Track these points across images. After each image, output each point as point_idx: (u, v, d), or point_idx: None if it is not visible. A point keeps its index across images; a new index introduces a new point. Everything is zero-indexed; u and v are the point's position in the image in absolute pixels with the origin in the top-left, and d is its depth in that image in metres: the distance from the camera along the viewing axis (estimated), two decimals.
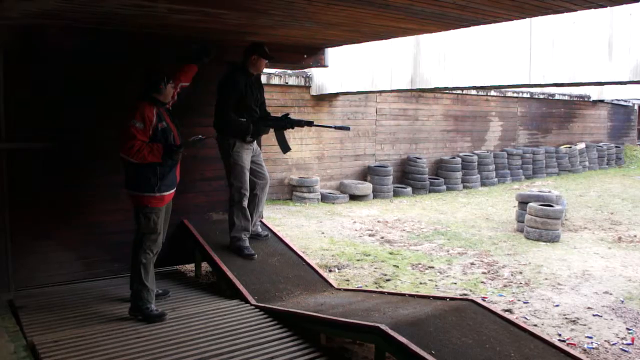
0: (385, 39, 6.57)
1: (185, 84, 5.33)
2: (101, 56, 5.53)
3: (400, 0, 4.13)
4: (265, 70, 11.57)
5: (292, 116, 5.95)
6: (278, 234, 6.57)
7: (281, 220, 10.62)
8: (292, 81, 12.88)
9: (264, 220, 6.71)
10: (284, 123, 5.89)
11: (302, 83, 13.02)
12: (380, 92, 12.45)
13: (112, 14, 4.69)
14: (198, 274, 6.32)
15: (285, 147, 6.02)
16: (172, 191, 4.99)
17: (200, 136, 4.94)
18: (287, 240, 6.47)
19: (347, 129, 6.20)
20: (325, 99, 13.37)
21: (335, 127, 6.33)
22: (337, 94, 12.97)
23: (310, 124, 5.97)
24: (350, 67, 10.91)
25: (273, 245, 6.27)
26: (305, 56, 6.87)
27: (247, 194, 5.92)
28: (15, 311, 4.91)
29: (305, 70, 12.31)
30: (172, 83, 4.91)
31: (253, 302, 5.14)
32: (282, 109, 12.80)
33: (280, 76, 12.62)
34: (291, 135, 13.06)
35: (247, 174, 5.90)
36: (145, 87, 4.78)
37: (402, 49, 9.39)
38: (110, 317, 4.88)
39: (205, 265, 6.27)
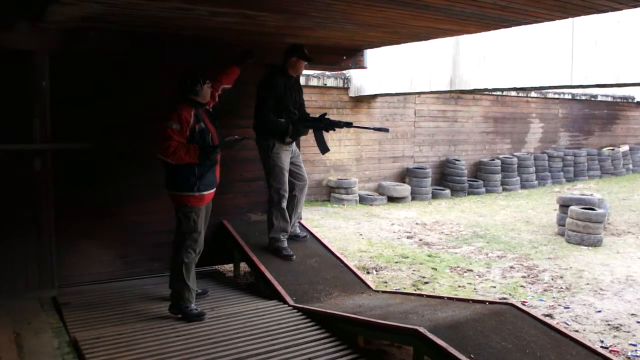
0: (424, 40, 6.53)
1: (227, 86, 5.41)
2: (139, 57, 5.63)
3: (440, 1, 4.11)
4: (304, 71, 11.62)
5: (331, 117, 5.97)
6: (316, 235, 6.58)
7: (319, 221, 10.64)
8: (330, 83, 12.90)
9: (302, 221, 6.73)
10: (323, 124, 5.90)
11: (341, 84, 13.03)
12: (419, 93, 12.38)
13: (151, 17, 4.76)
14: (237, 274, 6.37)
15: (324, 148, 6.01)
16: (212, 191, 5.02)
17: (236, 137, 4.97)
18: (325, 241, 6.48)
19: (386, 130, 6.20)
20: (363, 100, 13.35)
21: (374, 129, 6.30)
22: (375, 96, 12.94)
23: (349, 125, 5.98)
24: (389, 68, 10.87)
25: (311, 247, 6.29)
26: (344, 57, 6.87)
27: (286, 195, 5.93)
28: (59, 308, 5.03)
29: (344, 71, 12.31)
30: (209, 84, 4.95)
31: (291, 302, 5.16)
32: (320, 110, 12.77)
33: (319, 78, 12.65)
34: (329, 136, 13.00)
35: (286, 175, 5.91)
36: (183, 89, 4.84)
37: (441, 50, 9.32)
38: (150, 315, 4.96)
39: (243, 266, 6.32)
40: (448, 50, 9.27)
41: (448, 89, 9.76)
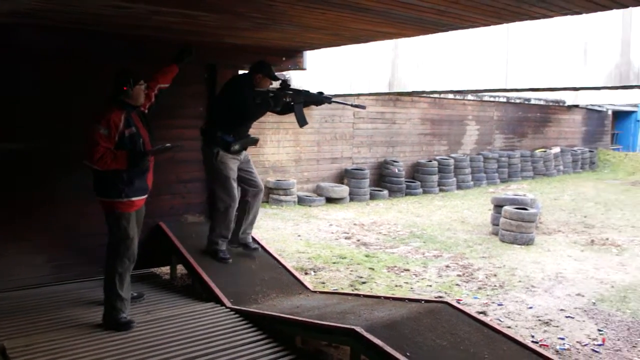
0: (364, 42, 6.59)
1: (164, 86, 5.21)
2: (74, 56, 5.47)
3: (380, 4, 4.14)
4: (244, 72, 11.55)
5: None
6: (254, 236, 6.55)
7: (257, 222, 10.49)
8: None
9: None
10: (303, 98, 5.71)
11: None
12: (358, 95, 12.45)
13: (89, 14, 4.65)
14: (173, 277, 6.28)
15: (303, 121, 5.72)
16: (143, 197, 4.83)
17: (167, 144, 4.72)
18: (263, 243, 6.47)
19: (363, 107, 6.21)
20: None
21: (352, 105, 6.33)
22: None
23: (329, 100, 5.81)
24: (329, 70, 10.90)
25: (244, 252, 6.25)
26: (283, 59, 6.86)
27: (234, 203, 5.80)
28: None
29: (284, 72, 12.28)
30: (143, 84, 4.73)
31: (228, 304, 5.13)
32: None
33: None
34: (267, 137, 13.03)
35: (233, 183, 5.76)
36: (113, 90, 4.61)
37: (380, 53, 9.40)
38: (83, 320, 4.81)
39: (180, 268, 6.24)
40: (387, 53, 9.36)
41: (386, 91, 9.86)
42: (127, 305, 4.75)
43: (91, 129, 4.48)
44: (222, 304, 5.15)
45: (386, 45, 9.25)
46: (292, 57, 6.94)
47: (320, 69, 10.87)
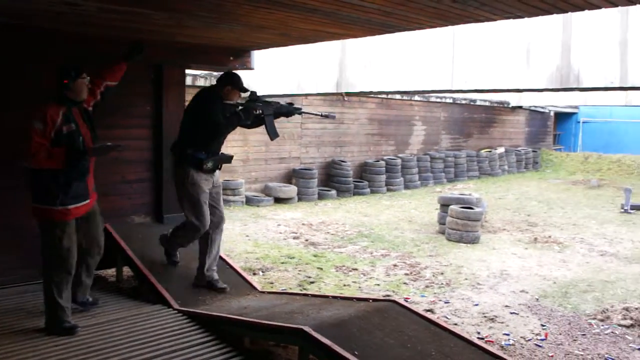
0: (312, 42, 6.62)
1: (111, 83, 4.88)
2: (18, 52, 5.32)
3: (327, 5, 4.17)
4: (191, 71, 11.43)
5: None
6: None
7: None
8: None
9: None
10: (274, 109, 5.49)
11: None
12: (306, 95, 12.49)
13: (35, 10, 4.53)
14: (119, 279, 6.18)
15: (274, 133, 5.52)
16: (83, 203, 4.49)
17: (109, 143, 4.49)
18: None
19: (333, 117, 6.09)
20: None
21: (322, 115, 6.10)
22: (263, 97, 12.90)
23: (299, 111, 5.70)
24: (277, 70, 10.87)
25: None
26: (231, 58, 6.83)
27: (203, 229, 5.34)
28: None
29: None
30: (85, 78, 4.41)
31: (176, 306, 5.07)
32: None
33: (206, 78, 12.48)
34: None
35: (205, 206, 5.32)
36: (54, 85, 4.33)
37: (328, 53, 9.43)
38: (27, 325, 4.63)
39: (127, 270, 6.14)
40: (335, 54, 9.39)
41: (335, 91, 9.90)
42: (68, 313, 4.52)
43: (29, 126, 4.23)
44: (170, 306, 5.08)
45: (334, 46, 9.29)
46: (240, 57, 6.92)
47: (269, 69, 10.86)
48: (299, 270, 7.62)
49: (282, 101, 5.78)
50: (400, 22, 4.71)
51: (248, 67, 7.14)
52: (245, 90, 5.49)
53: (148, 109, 6.34)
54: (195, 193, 5.25)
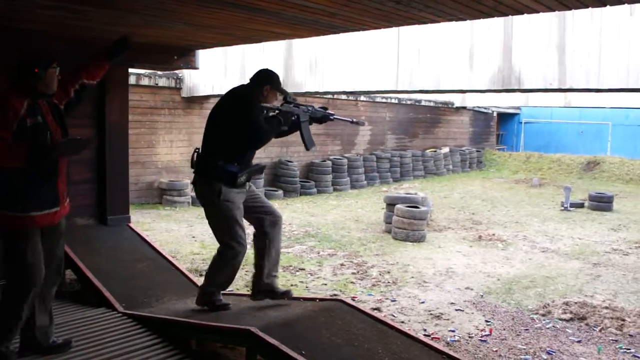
0: (257, 42, 6.60)
1: (89, 82, 4.25)
2: None
3: (273, 5, 4.17)
4: (135, 70, 11.26)
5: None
6: (146, 238, 6.40)
7: (150, 224, 10.36)
8: (162, 82, 12.59)
9: (132, 225, 6.49)
10: (310, 116, 4.98)
11: (173, 84, 12.76)
12: None
13: None
14: (62, 282, 6.02)
15: (310, 143, 5.03)
16: (51, 211, 3.85)
17: (79, 137, 3.94)
18: (156, 245, 6.33)
19: (363, 124, 5.64)
20: (196, 101, 13.14)
21: (352, 122, 5.42)
22: (208, 97, 12.77)
23: (331, 117, 5.11)
24: (222, 69, 10.83)
25: (141, 251, 6.11)
26: (175, 57, 6.74)
27: (244, 250, 4.77)
28: None
29: (177, 71, 12.09)
30: (55, 68, 3.78)
31: (120, 309, 4.97)
32: (151, 111, 12.50)
33: (150, 77, 12.31)
34: (160, 137, 12.76)
35: (242, 225, 4.75)
36: (19, 74, 3.71)
37: (274, 53, 9.44)
38: None
39: (69, 273, 6.00)
40: (281, 53, 9.41)
41: None
42: (16, 333, 3.99)
43: None
44: (114, 309, 4.98)
45: (280, 46, 9.30)
46: (184, 56, 6.84)
47: (214, 68, 10.80)
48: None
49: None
50: (345, 23, 4.75)
51: (192, 67, 7.07)
52: (286, 92, 4.90)
53: (89, 109, 6.20)
54: (229, 210, 4.62)
